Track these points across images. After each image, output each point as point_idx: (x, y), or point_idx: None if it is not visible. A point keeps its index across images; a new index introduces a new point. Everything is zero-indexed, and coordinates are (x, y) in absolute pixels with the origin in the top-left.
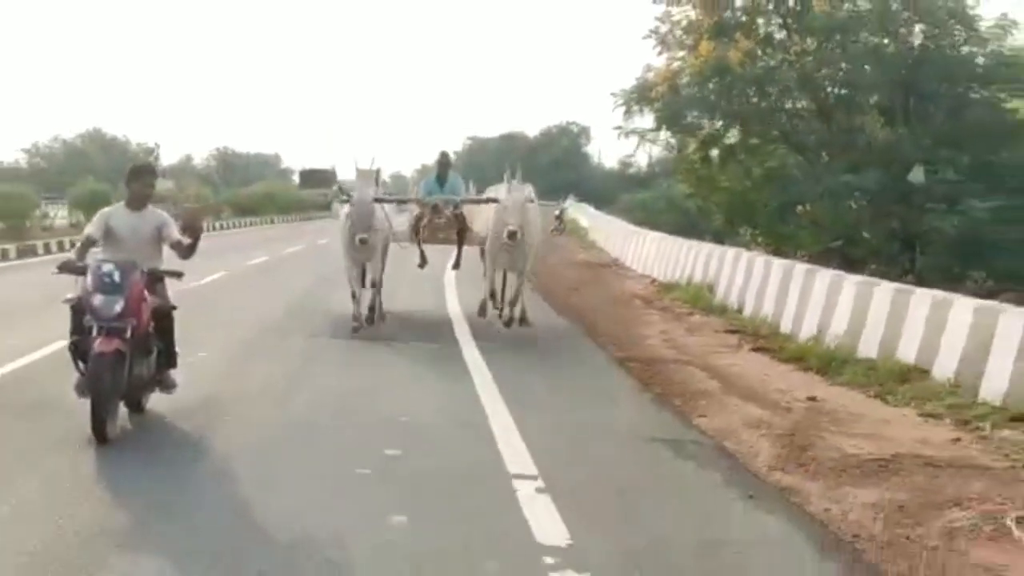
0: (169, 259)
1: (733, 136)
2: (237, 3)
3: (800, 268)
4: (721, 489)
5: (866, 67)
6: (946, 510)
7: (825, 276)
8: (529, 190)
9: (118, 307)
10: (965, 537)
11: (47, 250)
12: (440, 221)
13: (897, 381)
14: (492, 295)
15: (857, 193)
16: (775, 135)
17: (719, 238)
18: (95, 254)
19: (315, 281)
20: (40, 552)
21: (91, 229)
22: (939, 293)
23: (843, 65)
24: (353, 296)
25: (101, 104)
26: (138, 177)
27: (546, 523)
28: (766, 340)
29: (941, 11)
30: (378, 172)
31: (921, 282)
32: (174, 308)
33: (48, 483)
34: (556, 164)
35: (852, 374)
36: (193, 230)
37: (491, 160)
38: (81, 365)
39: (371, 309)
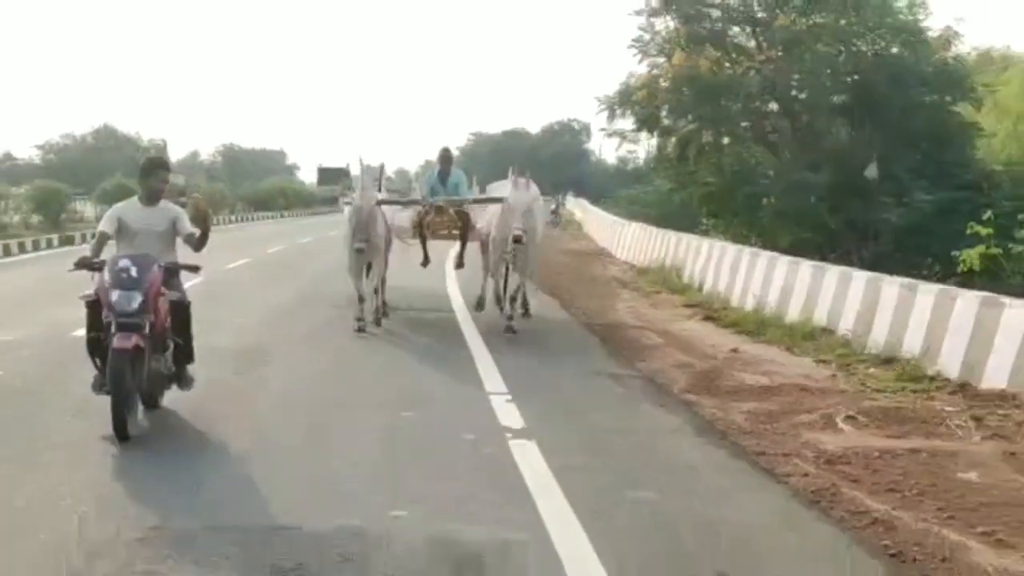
0: (183, 253)
1: (707, 135)
2: (242, 1)
3: (747, 252)
4: (641, 402)
5: (827, 71)
6: (800, 414)
7: (764, 258)
8: (535, 190)
9: (136, 303)
10: (804, 427)
11: (84, 239)
12: (443, 219)
13: (807, 339)
14: (497, 297)
15: (817, 188)
16: (747, 135)
17: (706, 230)
18: (109, 250)
19: (331, 265)
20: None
21: (105, 225)
22: (846, 269)
23: (802, 73)
24: (359, 296)
25: (109, 101)
26: (152, 171)
27: (510, 417)
28: (715, 311)
29: (890, 24)
30: (382, 168)
31: (873, 268)
32: (188, 303)
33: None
34: (557, 160)
35: (773, 334)
36: (202, 221)
37: (494, 156)
38: (98, 362)
39: (376, 310)
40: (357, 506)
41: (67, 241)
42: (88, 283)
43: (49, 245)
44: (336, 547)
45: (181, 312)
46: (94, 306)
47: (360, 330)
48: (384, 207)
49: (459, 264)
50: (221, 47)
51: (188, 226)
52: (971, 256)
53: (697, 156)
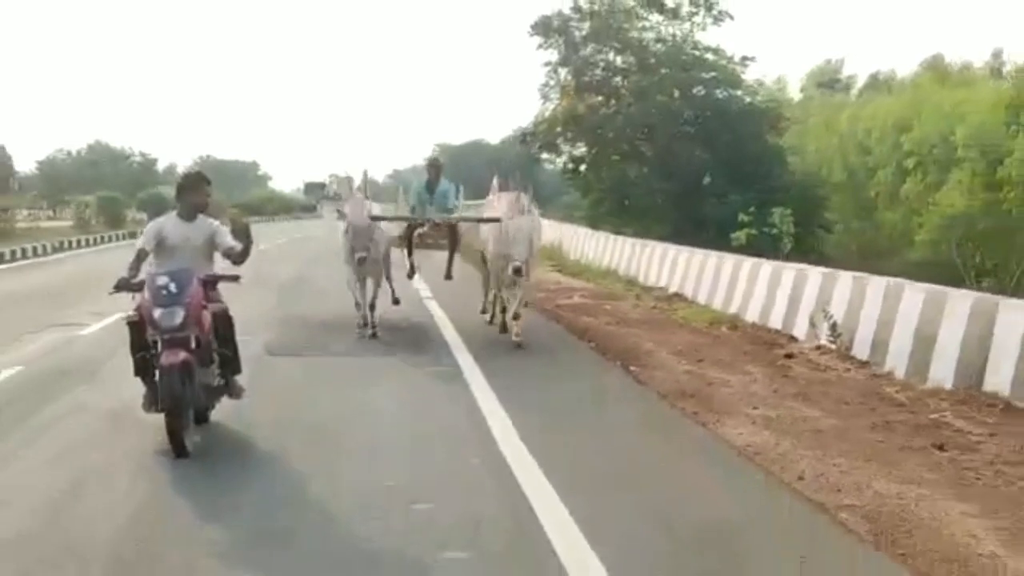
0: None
1: (590, 157)
2: (216, 22)
3: (599, 234)
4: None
5: (670, 110)
6: (598, 316)
7: (605, 237)
8: (536, 215)
9: (179, 318)
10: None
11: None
12: (434, 232)
13: (642, 289)
14: (493, 311)
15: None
16: (626, 154)
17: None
18: (148, 266)
19: (320, 250)
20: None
21: (143, 242)
22: (642, 240)
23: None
24: (357, 305)
25: (93, 116)
26: (193, 187)
27: (429, 300)
28: (567, 267)
29: (715, 76)
30: (365, 175)
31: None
32: (231, 317)
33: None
34: (513, 168)
35: (588, 274)
36: (244, 236)
37: (457, 164)
38: (147, 381)
39: (370, 307)
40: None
41: (132, 236)
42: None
43: (120, 238)
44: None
45: (224, 322)
46: (137, 326)
47: (362, 336)
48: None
49: (448, 276)
50: (194, 64)
51: (229, 240)
52: (739, 236)
53: (586, 172)
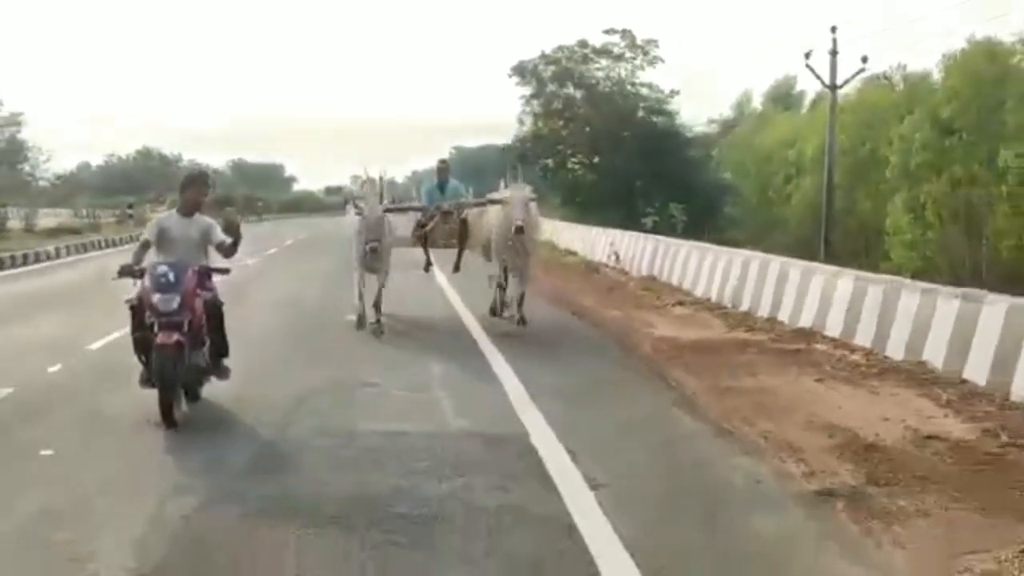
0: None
1: (552, 166)
2: (245, 34)
3: (558, 223)
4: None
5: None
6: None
7: (567, 225)
8: (529, 189)
9: (175, 303)
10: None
11: None
12: (446, 227)
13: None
14: (492, 310)
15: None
16: (580, 164)
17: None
18: (150, 256)
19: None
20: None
21: (148, 234)
22: (593, 228)
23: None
24: (361, 301)
25: (137, 123)
26: (192, 185)
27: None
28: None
29: (647, 105)
30: (382, 179)
31: None
32: (222, 303)
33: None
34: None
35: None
36: (234, 232)
37: (471, 166)
38: (143, 359)
39: (375, 305)
40: None
41: None
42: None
43: None
44: None
45: (215, 311)
46: (137, 309)
47: (360, 328)
48: (390, 219)
49: (456, 268)
50: (224, 72)
51: (220, 235)
52: (647, 222)
53: (554, 176)
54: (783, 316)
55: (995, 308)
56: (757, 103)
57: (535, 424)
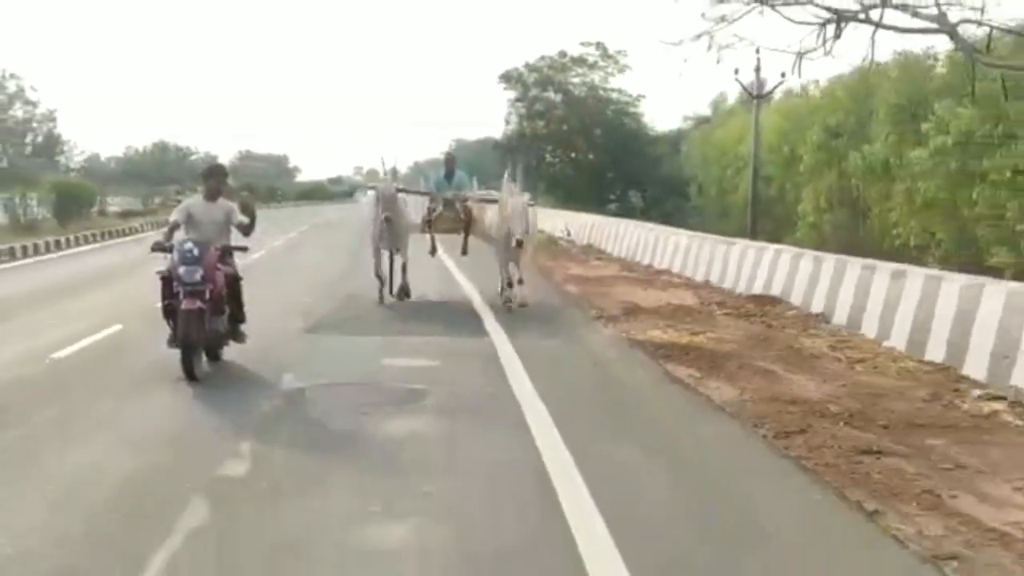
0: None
1: (534, 161)
2: (249, 31)
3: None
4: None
5: (585, 132)
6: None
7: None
8: (527, 197)
9: (198, 275)
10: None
11: None
12: (450, 215)
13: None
14: (501, 288)
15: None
16: (559, 158)
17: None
18: (178, 235)
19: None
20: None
21: (176, 216)
22: (572, 212)
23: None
24: (378, 277)
25: (153, 116)
26: (213, 175)
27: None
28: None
29: (616, 109)
30: (394, 169)
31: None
32: (240, 278)
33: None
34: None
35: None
36: (249, 213)
37: (469, 157)
38: (171, 323)
39: (402, 289)
40: None
41: None
42: (161, 262)
43: None
44: None
45: (234, 283)
46: (166, 280)
47: (380, 300)
48: (403, 198)
49: (463, 252)
50: (231, 66)
51: (239, 216)
52: (611, 208)
53: (536, 169)
54: (651, 262)
55: (735, 248)
56: (732, 102)
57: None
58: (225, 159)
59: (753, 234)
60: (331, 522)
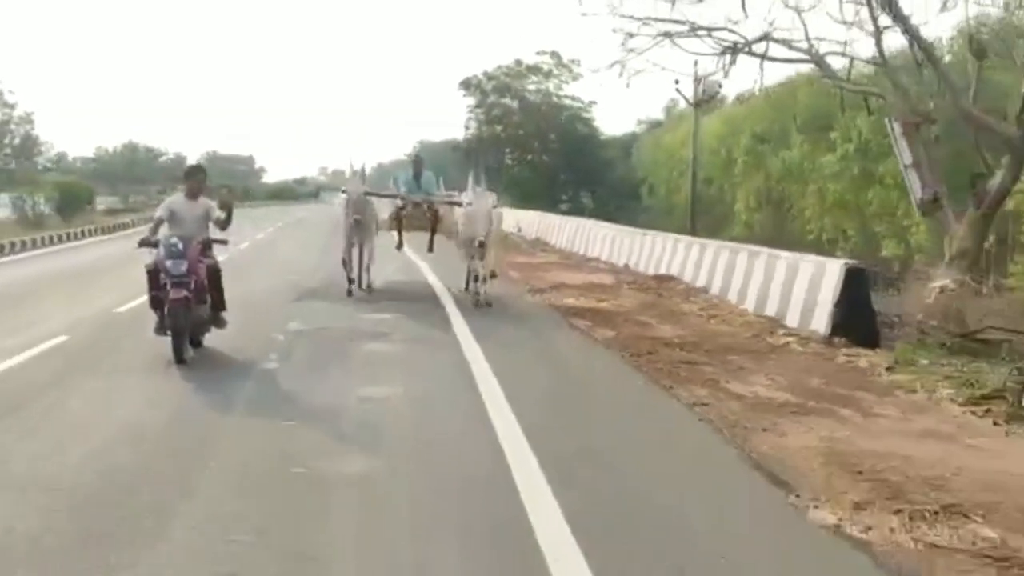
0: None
1: (494, 163)
2: (215, 30)
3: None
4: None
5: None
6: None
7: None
8: (493, 198)
9: (183, 267)
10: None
11: None
12: (418, 214)
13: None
14: (467, 283)
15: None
16: (515, 160)
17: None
18: (163, 231)
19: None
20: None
21: (160, 213)
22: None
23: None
24: (344, 264)
25: (121, 117)
26: (193, 174)
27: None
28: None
29: (570, 115)
30: (363, 170)
31: None
32: (220, 269)
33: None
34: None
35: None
36: (228, 210)
37: (435, 159)
38: (158, 313)
39: (368, 284)
40: None
41: None
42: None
43: None
44: None
45: (214, 274)
46: (153, 273)
47: (350, 293)
48: (372, 201)
49: (430, 249)
50: (198, 67)
51: (217, 212)
52: (563, 207)
53: (497, 172)
54: (586, 251)
55: (647, 238)
56: (683, 107)
57: (443, 294)
58: (193, 160)
59: (693, 231)
60: (336, 386)
